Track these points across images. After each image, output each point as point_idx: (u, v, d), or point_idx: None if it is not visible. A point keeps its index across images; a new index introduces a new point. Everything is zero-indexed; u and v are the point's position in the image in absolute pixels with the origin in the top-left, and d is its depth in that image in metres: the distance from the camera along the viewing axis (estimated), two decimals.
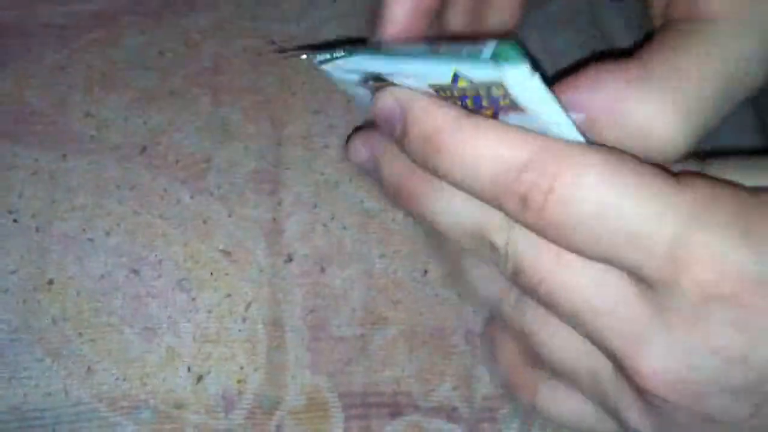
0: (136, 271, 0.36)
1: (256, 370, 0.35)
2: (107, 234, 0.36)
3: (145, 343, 0.35)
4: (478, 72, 0.23)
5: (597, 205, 0.23)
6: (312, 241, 0.37)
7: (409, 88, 0.26)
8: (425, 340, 0.36)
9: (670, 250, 0.22)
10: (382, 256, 0.37)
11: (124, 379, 0.34)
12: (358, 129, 0.30)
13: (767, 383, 0.23)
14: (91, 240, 0.36)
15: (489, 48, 0.22)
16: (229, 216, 0.37)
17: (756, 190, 0.24)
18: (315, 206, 0.38)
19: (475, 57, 0.22)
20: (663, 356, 0.23)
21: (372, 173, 0.30)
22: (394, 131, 0.27)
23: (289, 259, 0.37)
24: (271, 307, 0.36)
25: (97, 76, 0.39)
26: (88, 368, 0.34)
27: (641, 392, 0.25)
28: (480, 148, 0.24)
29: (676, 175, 0.24)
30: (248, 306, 0.36)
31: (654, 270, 0.23)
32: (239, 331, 0.36)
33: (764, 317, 0.22)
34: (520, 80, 0.22)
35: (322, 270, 0.37)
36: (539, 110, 0.23)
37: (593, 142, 0.24)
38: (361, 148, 0.30)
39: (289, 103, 0.39)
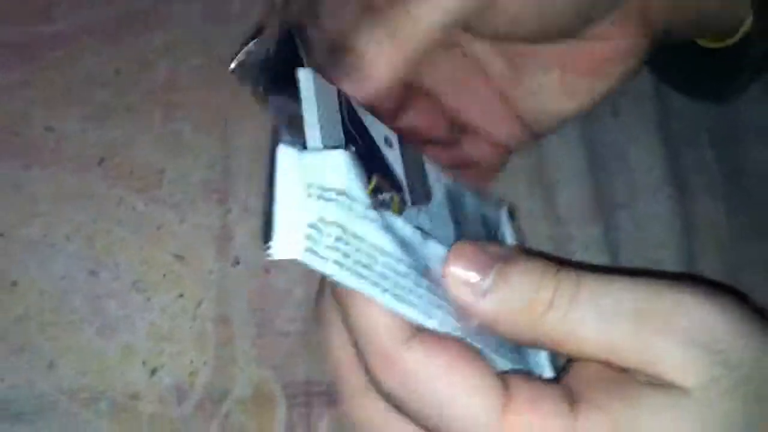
0: (94, 274, 0.39)
1: (205, 363, 0.38)
2: (67, 239, 0.39)
3: (103, 340, 0.38)
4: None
5: None
6: (258, 246, 0.40)
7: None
8: None
9: None
10: None
11: (84, 373, 0.37)
12: None
13: None
14: (52, 245, 0.39)
15: None
16: (181, 223, 0.40)
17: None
18: (261, 213, 0.41)
19: None
20: None
21: None
22: None
23: (237, 263, 0.40)
24: (220, 306, 0.39)
25: (58, 92, 0.42)
26: (51, 363, 0.37)
27: None
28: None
29: (506, 382, 0.27)
30: (199, 305, 0.39)
31: None
32: (190, 328, 0.39)
33: None
34: None
35: (267, 272, 0.40)
36: None
37: None
38: None
39: (238, 118, 0.43)
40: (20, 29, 0.43)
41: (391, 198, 0.28)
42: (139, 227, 0.40)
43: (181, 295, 0.39)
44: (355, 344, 0.28)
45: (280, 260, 0.39)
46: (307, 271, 0.40)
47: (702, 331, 0.27)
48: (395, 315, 0.26)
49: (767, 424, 0.26)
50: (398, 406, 0.28)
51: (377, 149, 0.29)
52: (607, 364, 0.28)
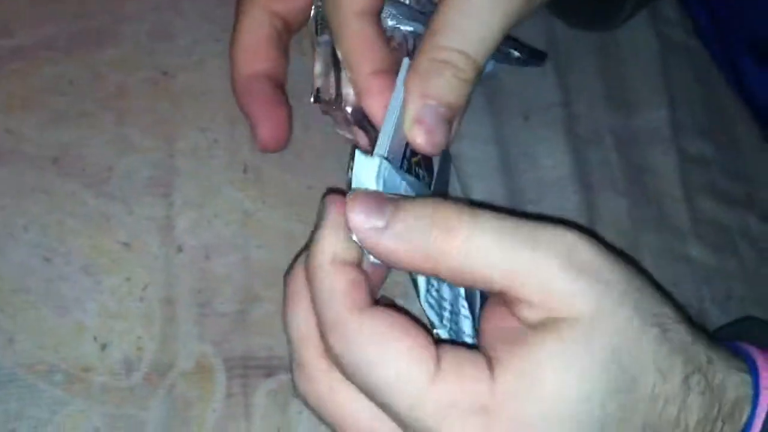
0: (48, 260, 0.43)
1: (152, 339, 0.42)
2: (24, 229, 0.43)
3: (57, 318, 0.42)
4: None
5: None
6: (199, 235, 0.45)
7: None
8: None
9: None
10: (258, 246, 0.45)
11: (40, 348, 0.41)
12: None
13: None
14: (10, 234, 0.43)
15: None
16: (129, 214, 0.45)
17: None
18: (201, 206, 0.45)
19: None
20: None
21: None
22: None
23: (180, 250, 0.44)
24: (165, 289, 0.43)
25: (17, 99, 0.46)
26: (9, 339, 0.41)
27: None
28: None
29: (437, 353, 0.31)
30: (145, 287, 0.43)
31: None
32: (137, 308, 0.43)
33: None
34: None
35: (207, 258, 0.45)
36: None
37: None
38: None
39: (180, 122, 0.47)
40: None
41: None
42: (90, 218, 0.44)
43: (129, 279, 0.43)
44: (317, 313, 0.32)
45: (218, 246, 0.44)
46: (245, 257, 0.44)
47: (586, 261, 0.31)
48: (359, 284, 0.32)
49: (648, 331, 0.31)
50: (346, 373, 0.32)
51: None
52: (504, 296, 0.31)
